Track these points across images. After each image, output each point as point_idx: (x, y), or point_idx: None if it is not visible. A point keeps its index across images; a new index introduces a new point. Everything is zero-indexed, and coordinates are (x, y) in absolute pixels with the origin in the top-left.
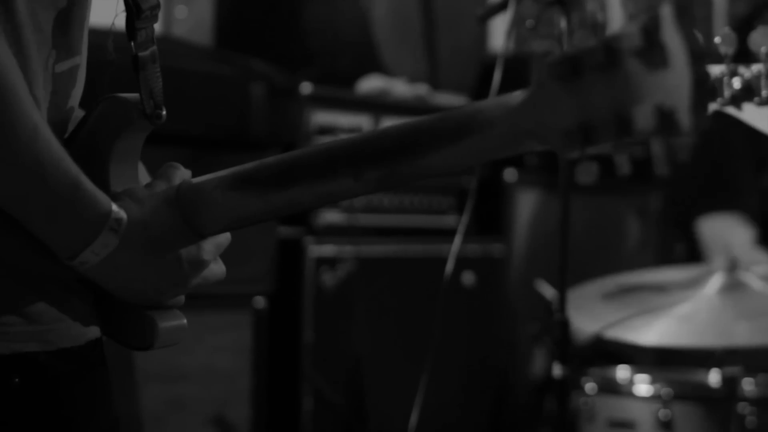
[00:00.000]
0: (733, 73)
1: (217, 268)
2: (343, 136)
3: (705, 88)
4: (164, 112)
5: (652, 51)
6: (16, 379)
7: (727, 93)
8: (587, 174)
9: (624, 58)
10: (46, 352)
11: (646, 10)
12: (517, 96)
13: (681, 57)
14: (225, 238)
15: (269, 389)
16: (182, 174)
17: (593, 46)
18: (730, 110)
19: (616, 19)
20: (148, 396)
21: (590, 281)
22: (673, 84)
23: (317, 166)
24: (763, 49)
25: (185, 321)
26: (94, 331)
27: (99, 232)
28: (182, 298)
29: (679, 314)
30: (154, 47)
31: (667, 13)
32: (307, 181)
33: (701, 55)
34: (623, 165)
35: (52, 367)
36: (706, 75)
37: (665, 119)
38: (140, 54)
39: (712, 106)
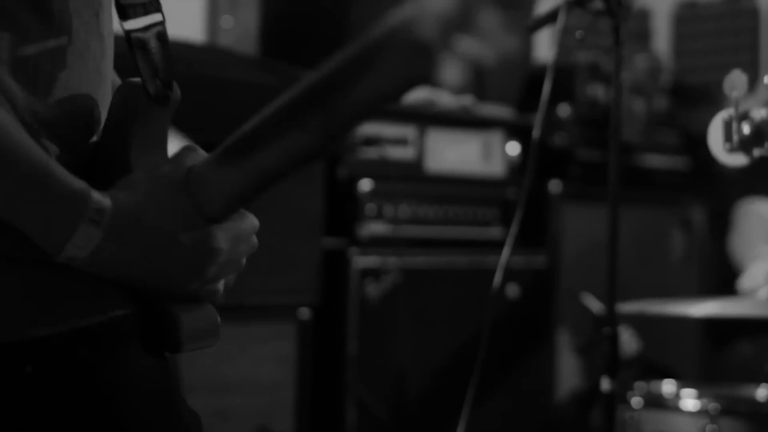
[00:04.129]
0: None
1: (241, 251)
2: (390, 149)
3: None
4: (176, 92)
5: None
6: (29, 368)
7: None
8: None
9: None
10: (59, 333)
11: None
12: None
13: None
14: (248, 224)
15: (313, 401)
16: (196, 156)
17: None
18: None
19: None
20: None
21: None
22: None
23: (271, 125)
24: None
25: (217, 318)
26: (117, 306)
27: (77, 225)
28: (218, 291)
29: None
30: (161, 28)
31: None
32: (266, 142)
33: None
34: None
35: (68, 349)
36: None
37: None
38: (137, 35)
39: (758, 151)
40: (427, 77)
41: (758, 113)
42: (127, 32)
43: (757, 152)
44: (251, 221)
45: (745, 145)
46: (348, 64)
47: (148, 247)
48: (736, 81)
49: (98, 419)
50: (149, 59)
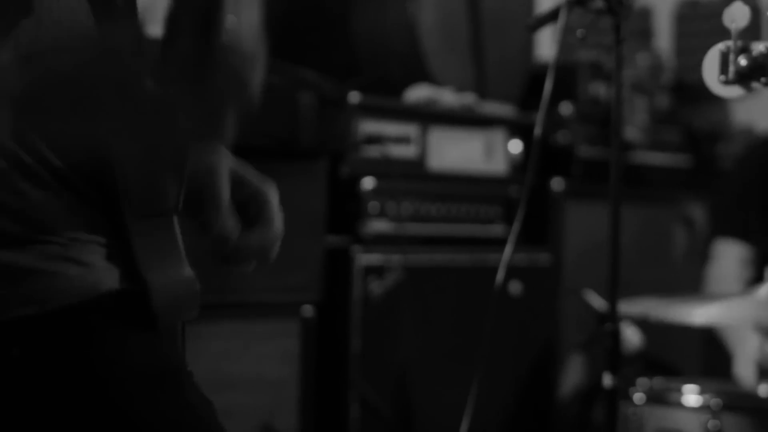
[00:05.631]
0: None
1: None
2: (392, 147)
3: None
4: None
5: None
6: (15, 351)
7: None
8: None
9: None
10: (46, 313)
11: None
12: None
13: None
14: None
15: (317, 398)
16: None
17: None
18: None
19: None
20: None
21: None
22: None
23: None
24: None
25: (197, 286)
26: (109, 281)
27: None
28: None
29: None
30: None
31: None
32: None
33: None
34: None
35: (55, 329)
36: None
37: None
38: None
39: (756, 85)
40: None
41: (757, 47)
42: None
43: (754, 85)
44: None
45: (741, 77)
46: None
47: None
48: (736, 13)
49: (92, 400)
50: None
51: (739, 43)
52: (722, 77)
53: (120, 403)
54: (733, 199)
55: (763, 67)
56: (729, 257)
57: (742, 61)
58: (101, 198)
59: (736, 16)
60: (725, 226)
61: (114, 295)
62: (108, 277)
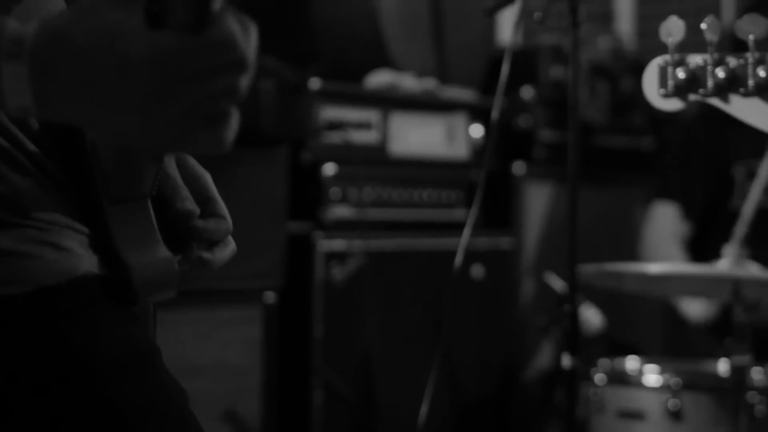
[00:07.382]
0: (718, 63)
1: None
2: (353, 133)
3: None
4: None
5: None
6: None
7: (710, 83)
8: None
9: None
10: (24, 293)
11: None
12: None
13: None
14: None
15: (280, 383)
16: None
17: None
18: (714, 101)
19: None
20: None
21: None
22: None
23: None
24: (750, 38)
25: (175, 266)
26: (86, 266)
27: None
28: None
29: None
30: None
31: None
32: None
33: None
34: None
35: (32, 309)
36: None
37: None
38: None
39: (693, 97)
40: None
41: (693, 59)
42: None
43: (692, 97)
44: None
45: (680, 90)
46: None
47: (83, 71)
48: (672, 27)
49: (67, 380)
50: None
51: (676, 56)
52: (662, 90)
53: (95, 384)
54: (674, 165)
55: (699, 79)
56: (664, 219)
57: (680, 74)
58: (76, 184)
59: (672, 31)
60: (664, 189)
61: (91, 280)
62: (85, 261)
